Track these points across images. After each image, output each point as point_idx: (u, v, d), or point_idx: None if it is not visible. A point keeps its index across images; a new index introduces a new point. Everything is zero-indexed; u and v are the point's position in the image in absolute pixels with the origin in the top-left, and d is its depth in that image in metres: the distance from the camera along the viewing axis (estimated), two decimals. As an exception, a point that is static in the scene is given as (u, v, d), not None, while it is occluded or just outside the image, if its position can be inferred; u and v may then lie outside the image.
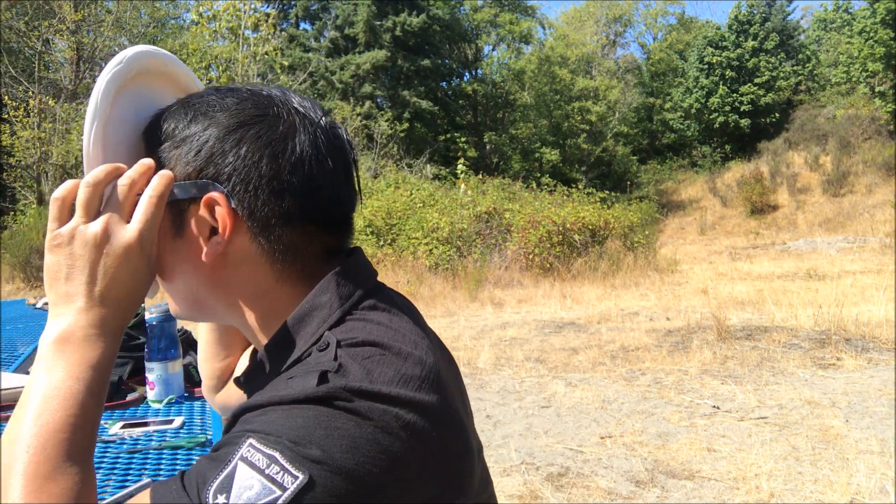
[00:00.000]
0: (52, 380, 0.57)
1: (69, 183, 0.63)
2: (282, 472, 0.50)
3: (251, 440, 0.52)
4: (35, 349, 2.10)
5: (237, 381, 0.72)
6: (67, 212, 0.62)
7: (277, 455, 0.51)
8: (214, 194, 0.62)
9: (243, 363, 0.93)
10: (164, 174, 0.63)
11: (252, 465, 0.51)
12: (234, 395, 0.94)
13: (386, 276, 11.05)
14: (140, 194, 0.63)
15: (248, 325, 0.69)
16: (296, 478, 0.50)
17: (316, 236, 0.66)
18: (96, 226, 0.60)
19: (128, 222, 0.62)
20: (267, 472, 0.50)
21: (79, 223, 0.61)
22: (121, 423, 1.33)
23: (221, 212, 0.63)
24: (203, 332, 0.94)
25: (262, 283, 0.66)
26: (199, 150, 0.63)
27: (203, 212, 0.63)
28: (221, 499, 0.50)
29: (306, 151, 0.64)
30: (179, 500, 0.52)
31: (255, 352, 0.74)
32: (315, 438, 0.52)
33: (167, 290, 0.71)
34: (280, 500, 0.49)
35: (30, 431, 0.54)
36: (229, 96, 0.66)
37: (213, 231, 0.64)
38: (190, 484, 0.53)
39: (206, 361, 0.94)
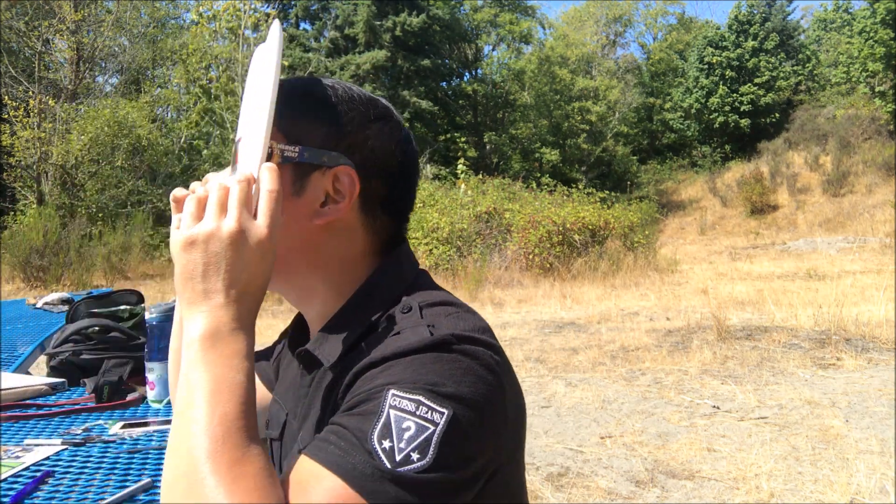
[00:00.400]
0: (214, 374, 0.59)
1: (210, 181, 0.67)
2: (429, 411, 0.58)
3: (393, 391, 0.59)
4: (35, 349, 2.10)
5: (302, 354, 0.75)
6: (203, 211, 0.64)
7: (421, 398, 0.59)
8: (346, 167, 0.72)
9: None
10: (272, 168, 0.67)
11: (403, 411, 0.58)
12: None
13: (386, 276, 11.05)
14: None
15: (322, 288, 0.76)
16: (442, 413, 0.59)
17: (394, 223, 0.78)
18: (232, 224, 0.62)
19: (254, 217, 0.65)
20: (417, 413, 0.58)
21: (214, 222, 0.62)
22: (121, 423, 1.33)
23: (348, 183, 0.72)
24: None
25: (352, 251, 0.75)
26: (341, 127, 0.73)
27: (327, 179, 0.72)
28: (386, 443, 0.57)
29: (416, 155, 0.80)
30: (351, 457, 0.57)
31: (299, 323, 0.84)
32: (445, 379, 0.60)
33: None
34: (435, 433, 0.58)
35: (211, 424, 0.56)
36: (357, 90, 0.77)
37: (324, 202, 0.73)
38: (347, 440, 0.58)
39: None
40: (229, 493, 0.53)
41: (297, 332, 0.85)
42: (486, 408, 0.62)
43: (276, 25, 0.71)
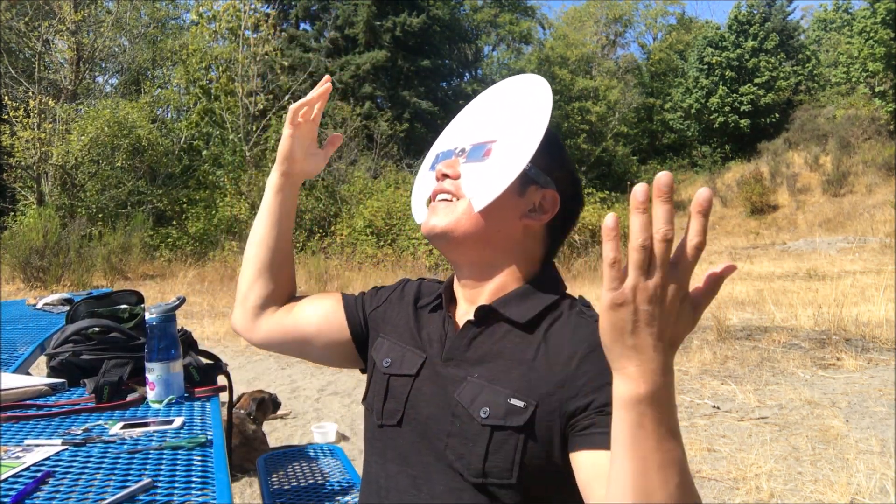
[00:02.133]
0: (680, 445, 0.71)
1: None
2: None
3: None
4: (35, 349, 2.09)
5: (485, 310, 0.95)
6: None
7: None
8: (553, 191, 0.97)
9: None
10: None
11: None
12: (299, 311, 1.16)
13: (386, 276, 11.04)
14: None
15: (504, 270, 0.98)
16: None
17: (555, 246, 1.03)
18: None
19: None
20: None
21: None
22: (121, 424, 1.33)
23: (551, 204, 0.97)
24: (257, 254, 1.16)
25: (533, 253, 1.00)
26: (558, 164, 0.99)
27: (539, 195, 0.97)
28: None
29: (582, 208, 1.07)
30: None
31: (455, 296, 1.05)
32: None
33: (473, 214, 0.95)
34: None
35: (684, 464, 0.72)
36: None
37: (532, 209, 0.96)
38: None
39: (260, 279, 1.16)
40: None
41: (435, 300, 1.06)
42: None
43: (545, 82, 0.97)
